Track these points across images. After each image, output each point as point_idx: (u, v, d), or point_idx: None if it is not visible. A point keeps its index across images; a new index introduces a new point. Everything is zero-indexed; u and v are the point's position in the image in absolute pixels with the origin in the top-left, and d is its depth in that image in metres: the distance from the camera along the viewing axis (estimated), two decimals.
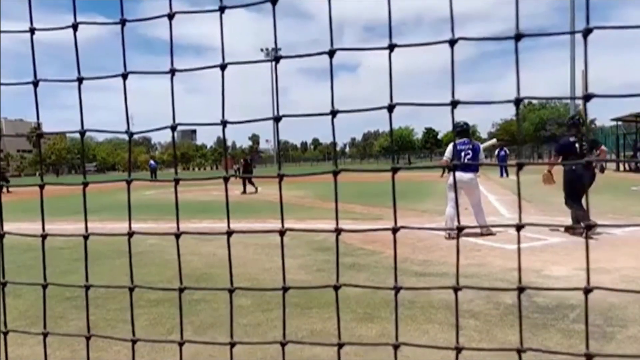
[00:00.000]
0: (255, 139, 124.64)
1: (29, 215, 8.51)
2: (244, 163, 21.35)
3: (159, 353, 3.05)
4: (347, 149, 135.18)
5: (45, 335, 1.29)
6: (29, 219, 8.63)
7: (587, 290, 0.90)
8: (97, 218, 10.48)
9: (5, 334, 1.36)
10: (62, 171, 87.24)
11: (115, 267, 5.59)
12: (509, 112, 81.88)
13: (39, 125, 1.34)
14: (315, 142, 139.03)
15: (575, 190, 6.88)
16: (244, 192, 17.87)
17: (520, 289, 0.93)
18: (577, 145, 6.90)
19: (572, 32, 0.91)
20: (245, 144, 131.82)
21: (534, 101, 66.21)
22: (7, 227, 1.36)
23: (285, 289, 1.08)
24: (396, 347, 1.00)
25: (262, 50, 72.72)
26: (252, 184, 18.53)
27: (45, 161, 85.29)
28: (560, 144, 7.25)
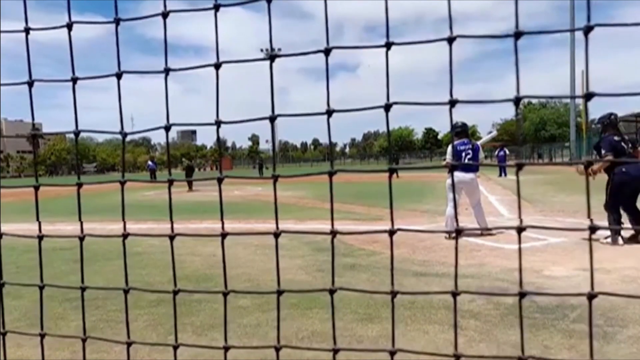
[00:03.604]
0: (255, 139, 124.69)
1: (28, 216, 8.51)
2: (186, 166, 23.52)
3: (161, 353, 3.04)
4: (347, 150, 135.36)
5: (42, 336, 1.28)
6: (28, 219, 8.63)
7: (592, 296, 0.88)
8: (97, 219, 10.48)
9: (4, 334, 1.35)
10: (61, 172, 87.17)
11: (116, 268, 5.58)
12: (509, 112, 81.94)
13: (33, 125, 1.33)
14: (315, 142, 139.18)
15: (625, 195, 6.11)
16: (190, 189, 20.11)
17: (522, 294, 0.92)
18: (622, 144, 6.26)
19: (573, 30, 0.90)
20: (245, 144, 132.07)
21: (534, 101, 66.38)
22: (5, 227, 1.35)
23: (279, 292, 1.07)
24: (392, 353, 0.99)
25: (261, 50, 72.71)
26: (190, 186, 20.47)
27: (44, 162, 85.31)
28: (609, 142, 6.26)
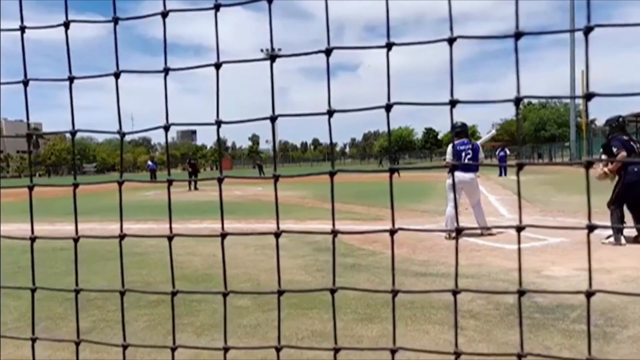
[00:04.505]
0: (255, 139, 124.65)
1: (28, 217, 8.52)
2: (191, 165, 23.59)
3: (160, 354, 3.04)
4: (347, 149, 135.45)
5: (33, 340, 1.28)
6: (28, 220, 8.64)
7: (590, 294, 0.89)
8: (97, 219, 10.47)
9: None
10: (61, 172, 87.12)
11: (116, 268, 5.57)
12: (509, 112, 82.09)
13: (28, 125, 1.33)
14: (315, 142, 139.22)
15: (633, 195, 6.17)
16: (192, 189, 20.09)
17: (521, 292, 0.92)
18: (632, 143, 6.34)
19: (573, 30, 0.90)
20: (245, 144, 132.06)
21: (534, 101, 66.33)
22: (5, 228, 1.35)
23: (280, 292, 1.07)
24: (394, 351, 1.00)
25: (261, 50, 72.53)
26: (190, 186, 20.47)
27: (44, 162, 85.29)
28: (620, 140, 6.30)
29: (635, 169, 6.09)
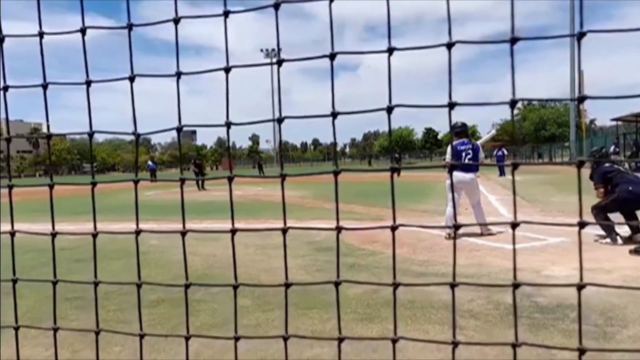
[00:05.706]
0: (255, 139, 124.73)
1: (30, 216, 8.53)
2: (196, 165, 23.78)
3: (161, 354, 3.06)
4: (347, 149, 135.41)
5: (55, 330, 1.30)
6: (30, 219, 8.65)
7: (580, 287, 0.91)
8: (98, 218, 10.47)
9: (17, 329, 1.38)
10: (61, 172, 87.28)
11: (118, 267, 5.59)
12: (509, 112, 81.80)
13: (48, 127, 1.35)
14: (316, 142, 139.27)
15: (624, 210, 6.31)
16: (203, 188, 20.49)
17: (515, 286, 0.95)
18: (616, 166, 6.61)
19: (566, 36, 0.92)
20: (246, 144, 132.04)
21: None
22: (6, 227, 1.37)
23: (287, 285, 1.09)
24: (395, 341, 1.02)
25: (261, 50, 72.21)
26: (199, 185, 20.82)
27: (44, 162, 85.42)
28: (600, 173, 6.57)
29: (630, 188, 6.18)
